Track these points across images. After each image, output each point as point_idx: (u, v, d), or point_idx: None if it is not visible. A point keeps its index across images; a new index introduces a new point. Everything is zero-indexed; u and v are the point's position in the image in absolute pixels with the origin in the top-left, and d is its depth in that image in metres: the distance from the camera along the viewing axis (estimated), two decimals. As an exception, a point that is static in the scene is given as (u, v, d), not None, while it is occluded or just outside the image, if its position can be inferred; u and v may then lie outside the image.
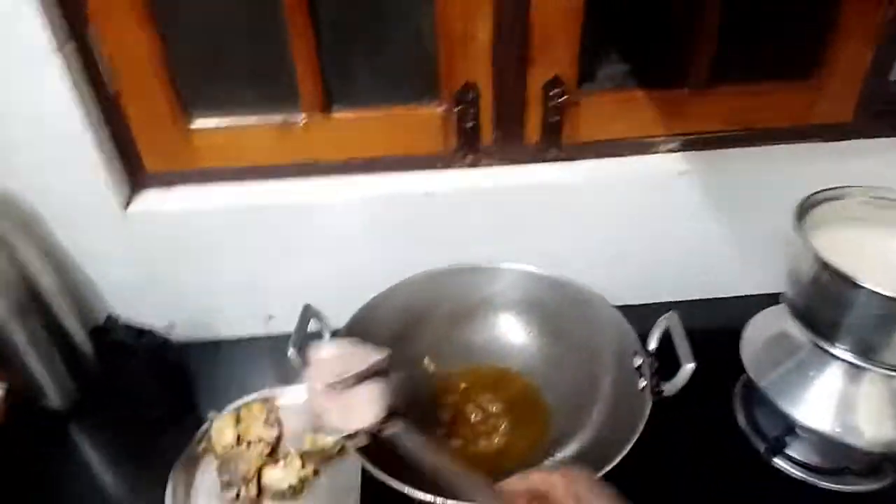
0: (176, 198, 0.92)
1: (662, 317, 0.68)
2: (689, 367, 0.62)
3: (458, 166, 0.94)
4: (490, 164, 0.94)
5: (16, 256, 0.84)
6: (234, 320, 1.02)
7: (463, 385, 0.81)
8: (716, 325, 0.83)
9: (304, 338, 0.68)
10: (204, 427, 0.87)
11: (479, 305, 0.85)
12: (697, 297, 1.04)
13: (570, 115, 0.91)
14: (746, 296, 1.02)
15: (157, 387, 0.92)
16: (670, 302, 1.02)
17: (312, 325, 0.73)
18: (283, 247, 0.94)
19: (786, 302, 0.70)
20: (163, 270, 0.96)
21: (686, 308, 0.98)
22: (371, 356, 0.65)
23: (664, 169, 0.93)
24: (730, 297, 1.03)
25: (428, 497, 0.54)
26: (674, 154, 0.95)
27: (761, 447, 0.77)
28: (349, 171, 0.93)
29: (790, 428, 0.72)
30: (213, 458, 0.85)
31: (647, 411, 0.62)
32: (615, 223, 0.96)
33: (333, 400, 0.63)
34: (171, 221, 0.92)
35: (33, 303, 0.86)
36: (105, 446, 0.92)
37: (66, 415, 0.94)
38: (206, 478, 0.84)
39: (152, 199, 0.92)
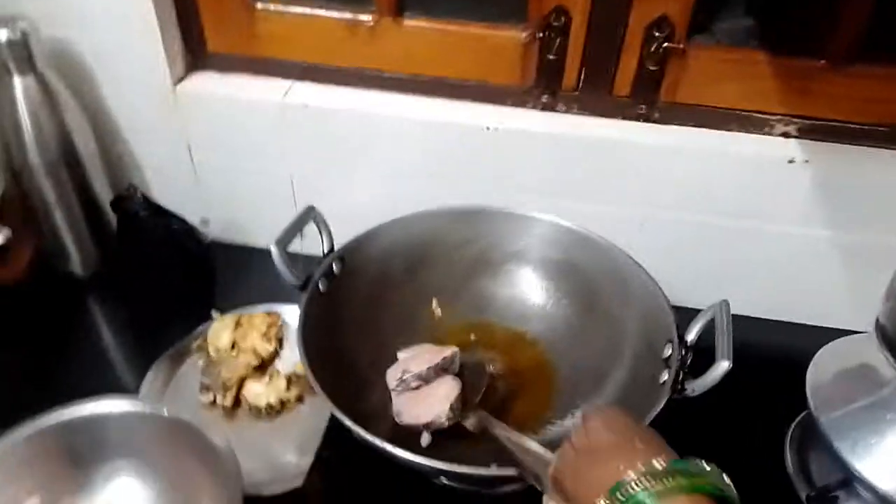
0: (230, 84, 0.89)
1: (710, 305, 0.57)
2: (723, 366, 0.51)
3: (530, 106, 0.85)
4: (567, 111, 0.86)
5: (58, 112, 0.85)
6: (267, 229, 1.00)
7: (473, 337, 0.74)
8: (789, 352, 0.72)
9: (291, 237, 0.64)
10: (204, 325, 0.86)
11: (504, 256, 0.77)
12: (774, 318, 0.91)
13: (672, 68, 0.80)
14: (837, 329, 0.85)
15: (173, 272, 0.92)
16: (739, 316, 0.91)
17: (312, 232, 0.68)
18: (330, 157, 0.90)
19: (877, 327, 0.57)
20: (204, 161, 0.95)
21: (758, 326, 0.90)
22: (439, 354, 0.68)
23: (774, 154, 0.80)
24: (816, 326, 0.89)
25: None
26: (790, 139, 0.81)
27: (804, 495, 0.65)
28: (412, 90, 0.87)
29: (846, 480, 0.60)
30: (203, 357, 0.85)
31: (658, 407, 0.52)
32: (699, 206, 0.84)
33: (405, 398, 0.67)
34: (220, 109, 0.89)
35: (68, 163, 0.87)
36: (117, 320, 0.93)
37: (86, 283, 0.96)
38: (189, 375, 0.82)
39: (206, 81, 0.90)
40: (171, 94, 0.89)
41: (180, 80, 0.89)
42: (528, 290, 0.77)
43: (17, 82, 0.81)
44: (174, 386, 0.82)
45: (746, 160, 0.81)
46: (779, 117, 0.81)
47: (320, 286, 0.65)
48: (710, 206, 0.84)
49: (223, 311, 0.86)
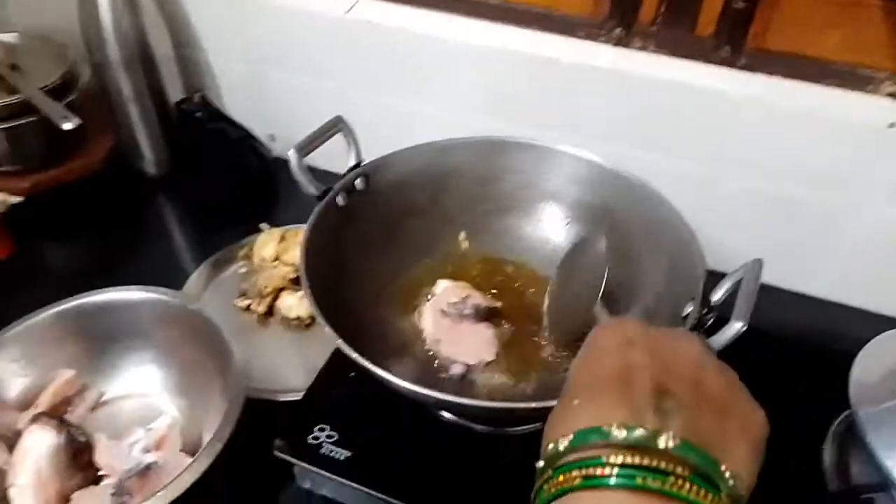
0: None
1: (743, 264, 0.51)
2: (736, 326, 0.46)
3: (602, 40, 0.79)
4: (642, 48, 0.79)
5: (136, 9, 0.87)
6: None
7: (498, 277, 0.71)
8: (847, 338, 0.64)
9: (314, 145, 0.63)
10: (253, 236, 0.89)
11: (535, 193, 0.72)
12: (836, 300, 0.83)
13: (764, 8, 0.71)
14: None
15: (232, 180, 0.95)
16: (797, 293, 0.84)
17: (339, 145, 0.67)
18: (390, 79, 0.88)
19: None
20: (271, 75, 0.96)
21: (818, 307, 0.82)
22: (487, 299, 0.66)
23: (874, 116, 0.70)
24: (881, 315, 0.80)
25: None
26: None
27: (840, 499, 0.58)
28: (476, 13, 0.83)
29: (883, 485, 0.53)
30: (247, 264, 0.87)
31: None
32: (775, 168, 0.75)
33: (447, 326, 0.65)
34: (286, 22, 0.89)
35: (143, 62, 0.91)
36: (179, 220, 0.99)
37: (156, 182, 1.01)
38: (232, 280, 0.86)
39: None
40: (241, 3, 0.90)
41: (253, -11, 0.90)
42: (556, 229, 0.72)
43: (98, -22, 0.84)
44: (215, 287, 0.85)
45: (840, 121, 0.71)
46: (887, 74, 0.70)
47: (339, 199, 0.64)
48: (790, 170, 0.75)
49: (274, 225, 0.88)
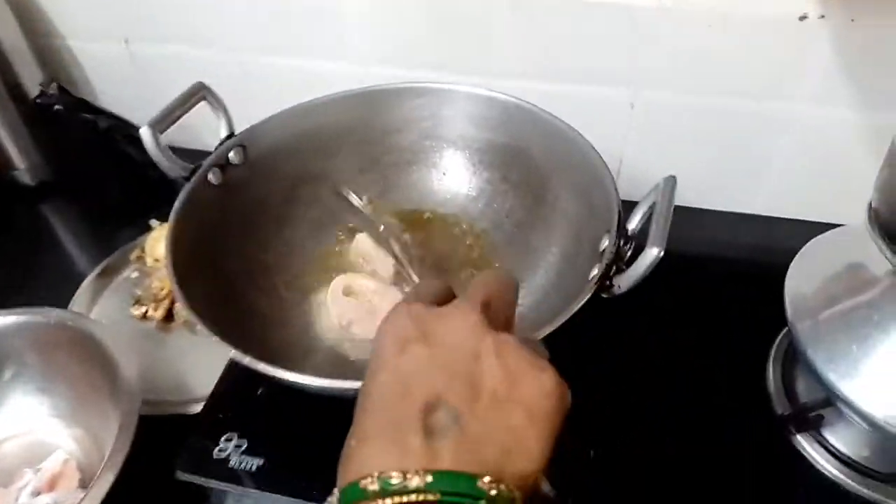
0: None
1: (656, 184, 0.46)
2: (652, 253, 0.41)
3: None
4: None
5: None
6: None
7: (406, 234, 0.64)
8: (783, 252, 0.60)
9: (171, 118, 0.55)
10: (145, 235, 0.81)
11: (435, 141, 0.66)
12: (771, 214, 0.80)
13: None
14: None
15: (112, 176, 0.86)
16: (729, 213, 0.80)
17: (204, 114, 0.60)
18: (268, 38, 0.80)
19: (868, 213, 0.45)
20: (141, 52, 0.86)
21: (751, 223, 0.78)
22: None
23: (786, 10, 0.65)
24: (815, 222, 0.75)
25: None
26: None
27: (788, 420, 0.55)
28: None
29: (827, 400, 0.49)
30: (140, 267, 0.79)
31: (575, 306, 0.43)
32: (692, 81, 0.70)
33: (355, 308, 0.59)
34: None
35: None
36: (61, 229, 0.89)
37: (35, 190, 0.91)
38: (124, 286, 0.77)
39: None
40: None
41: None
42: (462, 176, 0.66)
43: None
44: (107, 297, 0.77)
45: (752, 20, 0.66)
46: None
47: (212, 177, 0.57)
48: (707, 82, 0.71)
49: (165, 220, 0.80)
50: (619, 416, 0.57)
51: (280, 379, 0.44)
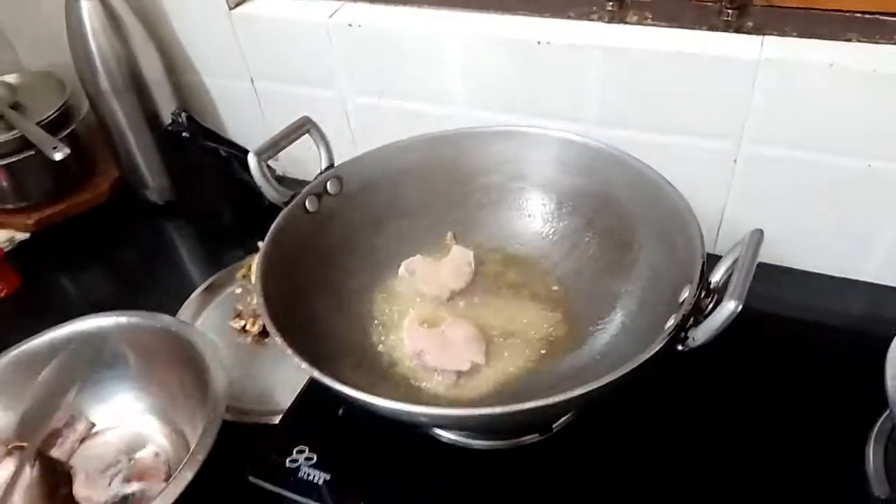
0: (281, 6, 0.88)
1: (742, 238, 0.44)
2: (728, 307, 0.39)
3: (594, 17, 0.74)
4: (638, 22, 0.73)
5: (123, 35, 0.87)
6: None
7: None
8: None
9: (276, 149, 0.60)
10: (252, 255, 0.87)
11: (523, 183, 0.67)
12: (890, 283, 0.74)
13: (765, -41, 0.65)
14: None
15: (229, 200, 0.93)
16: (834, 277, 0.75)
17: (305, 148, 0.64)
18: (374, 82, 0.86)
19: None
20: (265, 89, 0.94)
21: (863, 292, 0.73)
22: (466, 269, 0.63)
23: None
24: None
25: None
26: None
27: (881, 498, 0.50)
28: (454, 4, 0.79)
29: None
30: (244, 284, 0.85)
31: (644, 357, 0.42)
32: (801, 134, 0.67)
33: (428, 337, 0.60)
34: (273, 33, 0.87)
35: (136, 89, 0.90)
36: (181, 244, 0.98)
37: (161, 209, 1.00)
38: (228, 301, 0.83)
39: (260, 5, 0.89)
40: (228, 19, 0.89)
41: (238, 4, 0.89)
42: (546, 219, 0.67)
43: (84, 5, 0.84)
44: (212, 309, 0.84)
45: (867, 76, 0.63)
46: (914, 19, 0.63)
47: (308, 204, 0.60)
48: (816, 137, 0.68)
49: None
50: (698, 485, 0.54)
51: (356, 399, 0.46)
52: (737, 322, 0.42)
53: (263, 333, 0.80)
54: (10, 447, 0.61)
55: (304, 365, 0.46)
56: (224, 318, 0.81)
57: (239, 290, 0.84)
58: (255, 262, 0.83)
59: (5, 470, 0.59)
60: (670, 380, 0.60)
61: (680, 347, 0.45)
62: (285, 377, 0.74)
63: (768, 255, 0.56)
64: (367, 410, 0.48)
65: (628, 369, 0.42)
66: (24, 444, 0.62)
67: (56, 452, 0.65)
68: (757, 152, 0.71)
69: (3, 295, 0.88)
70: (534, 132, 0.65)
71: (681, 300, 0.47)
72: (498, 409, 0.42)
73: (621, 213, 0.61)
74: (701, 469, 0.55)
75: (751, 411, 0.60)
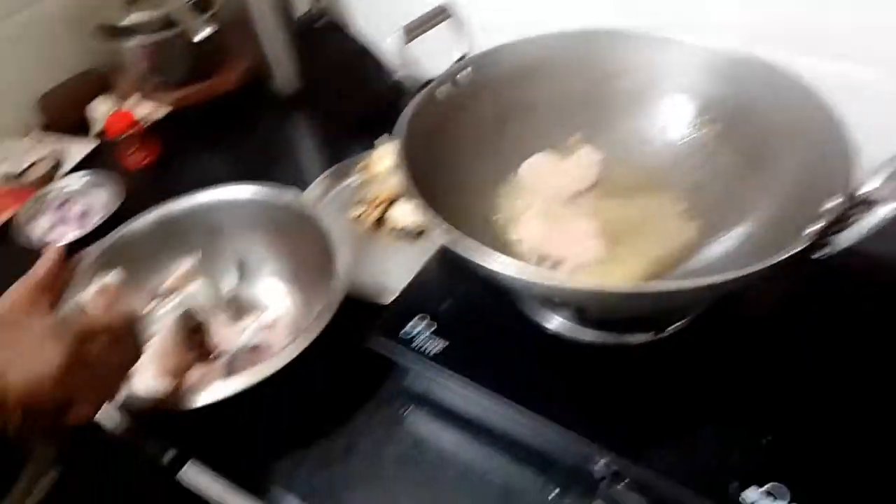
0: None
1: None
2: (885, 209, 0.38)
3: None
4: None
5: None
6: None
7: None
8: None
9: (416, 32, 0.61)
10: (372, 150, 0.90)
11: (657, 91, 0.65)
12: None
13: None
14: None
15: (356, 94, 0.96)
16: None
17: (442, 35, 0.64)
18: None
19: None
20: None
21: None
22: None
23: None
24: None
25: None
26: None
27: None
28: None
29: None
30: (363, 177, 0.88)
31: (784, 254, 0.42)
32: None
33: (537, 223, 0.62)
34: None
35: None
36: (307, 134, 1.03)
37: (288, 99, 1.05)
38: (347, 191, 0.87)
39: None
40: None
41: None
42: (679, 128, 0.65)
43: None
44: (332, 197, 0.88)
45: None
46: None
47: (441, 91, 0.62)
48: None
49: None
50: (800, 403, 0.54)
51: (485, 267, 0.48)
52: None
53: (378, 223, 0.84)
54: (156, 294, 0.67)
55: (445, 226, 0.48)
56: (342, 206, 0.85)
57: (357, 182, 0.88)
58: (375, 157, 0.87)
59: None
60: (785, 297, 0.61)
61: (815, 255, 0.44)
62: (393, 264, 0.79)
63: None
64: (489, 281, 0.51)
65: (764, 265, 0.42)
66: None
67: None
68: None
69: (146, 163, 0.96)
70: (678, 39, 0.63)
71: (823, 209, 0.46)
72: (626, 288, 0.43)
73: (763, 125, 0.59)
74: (806, 389, 0.54)
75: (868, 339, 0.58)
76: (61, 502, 0.63)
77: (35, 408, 0.46)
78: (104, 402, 0.52)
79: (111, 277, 0.67)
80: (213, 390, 0.57)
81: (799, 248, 0.43)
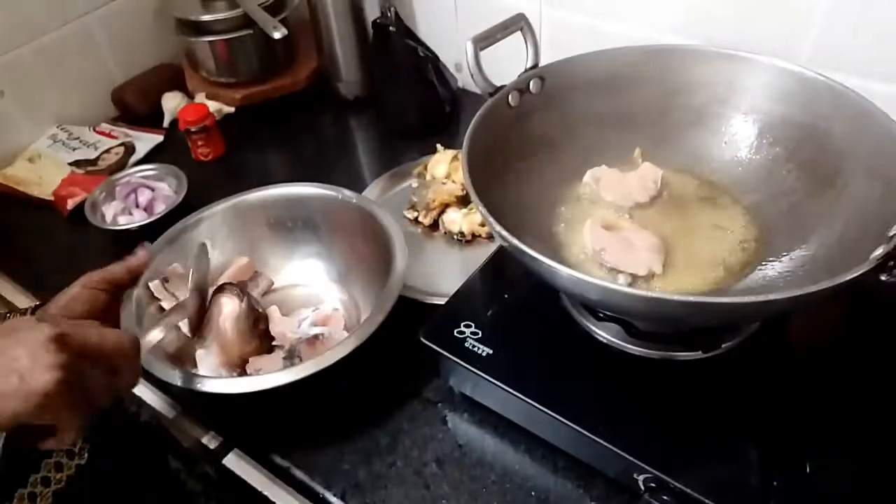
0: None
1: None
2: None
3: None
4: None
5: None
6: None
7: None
8: None
9: (491, 39, 0.62)
10: (430, 156, 0.91)
11: (726, 108, 0.65)
12: None
13: None
14: None
15: (418, 99, 0.97)
16: None
17: (509, 45, 0.64)
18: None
19: None
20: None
21: None
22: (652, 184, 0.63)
23: None
24: None
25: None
26: None
27: None
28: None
29: None
30: (420, 180, 0.90)
31: (850, 275, 0.41)
32: None
33: (607, 236, 0.62)
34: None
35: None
36: (368, 136, 1.05)
37: (352, 103, 1.08)
38: (404, 193, 0.89)
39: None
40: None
41: None
42: (745, 147, 0.65)
43: None
44: (389, 198, 0.90)
45: None
46: None
47: (510, 99, 0.63)
48: None
49: (449, 148, 0.90)
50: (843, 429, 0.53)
51: (547, 267, 0.48)
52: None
53: (433, 226, 0.85)
54: (220, 284, 0.69)
55: (505, 232, 0.49)
56: (398, 208, 0.87)
57: (416, 185, 0.89)
58: (433, 161, 0.88)
59: (219, 304, 0.67)
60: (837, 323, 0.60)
61: (883, 277, 0.43)
62: (446, 267, 0.81)
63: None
64: (545, 285, 0.51)
65: (829, 285, 0.41)
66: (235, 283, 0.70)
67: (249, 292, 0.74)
68: None
69: (210, 158, 1.00)
70: (748, 57, 0.63)
71: (891, 233, 0.45)
72: (681, 298, 0.43)
73: (829, 147, 0.58)
74: (854, 417, 0.53)
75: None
76: (85, 490, 0.63)
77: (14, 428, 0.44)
78: (86, 424, 0.48)
79: (172, 268, 0.70)
80: (270, 379, 0.59)
81: (864, 270, 0.42)
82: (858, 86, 0.58)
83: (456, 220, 0.82)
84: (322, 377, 0.59)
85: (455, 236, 0.83)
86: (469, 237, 0.82)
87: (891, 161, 0.51)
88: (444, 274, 0.78)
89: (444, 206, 0.85)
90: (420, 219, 0.85)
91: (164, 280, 0.70)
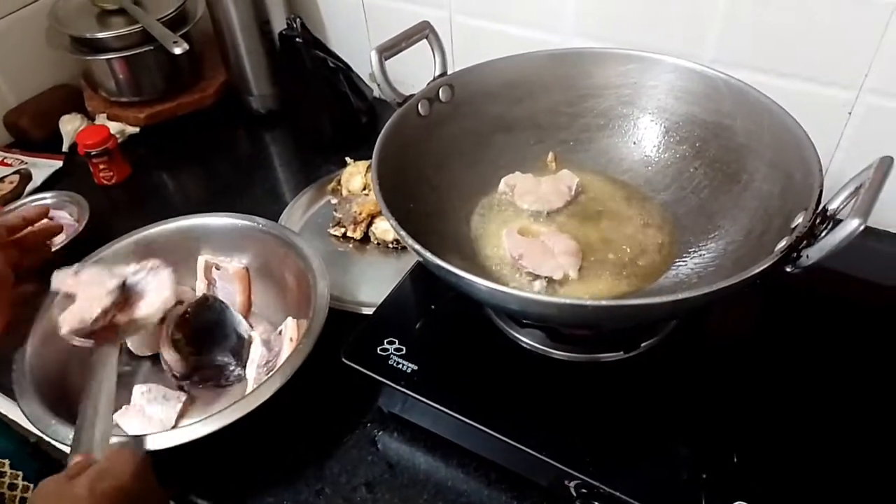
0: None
1: (867, 166, 0.43)
2: (851, 224, 0.39)
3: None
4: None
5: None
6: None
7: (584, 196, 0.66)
8: None
9: (396, 48, 0.61)
10: (342, 170, 0.89)
11: (631, 109, 0.67)
12: None
13: None
14: None
15: (329, 111, 0.95)
16: None
17: (419, 52, 0.64)
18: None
19: None
20: (374, 6, 0.96)
21: None
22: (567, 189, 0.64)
23: None
24: None
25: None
26: None
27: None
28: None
29: None
30: (337, 196, 0.88)
31: (758, 268, 0.42)
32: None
33: (522, 241, 0.62)
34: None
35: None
36: (279, 153, 1.02)
37: (262, 116, 1.05)
38: (325, 210, 0.87)
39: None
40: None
41: None
42: (653, 147, 0.67)
43: None
44: (314, 214, 0.88)
45: None
46: None
47: (420, 108, 0.62)
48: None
49: (362, 159, 0.89)
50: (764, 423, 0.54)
51: (463, 280, 0.47)
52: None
53: (364, 240, 0.83)
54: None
55: (418, 247, 0.48)
56: (323, 227, 0.85)
57: (336, 200, 0.87)
58: (346, 175, 0.87)
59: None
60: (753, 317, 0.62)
61: (789, 269, 0.45)
62: (393, 275, 0.75)
63: (875, 219, 0.54)
64: (466, 296, 0.51)
65: (737, 280, 0.42)
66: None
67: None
68: (876, 104, 0.69)
69: (114, 182, 0.95)
70: (652, 57, 0.64)
71: (793, 225, 0.47)
72: (599, 303, 0.43)
73: (733, 143, 0.60)
74: (775, 406, 0.55)
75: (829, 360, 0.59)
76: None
77: None
78: None
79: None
80: (189, 431, 0.57)
81: (769, 263, 0.44)
82: (761, 83, 0.60)
83: (388, 228, 0.81)
84: (244, 422, 0.57)
85: (390, 244, 0.82)
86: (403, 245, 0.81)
87: (790, 156, 0.53)
88: (388, 283, 0.75)
89: (372, 217, 0.83)
90: (349, 234, 0.83)
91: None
